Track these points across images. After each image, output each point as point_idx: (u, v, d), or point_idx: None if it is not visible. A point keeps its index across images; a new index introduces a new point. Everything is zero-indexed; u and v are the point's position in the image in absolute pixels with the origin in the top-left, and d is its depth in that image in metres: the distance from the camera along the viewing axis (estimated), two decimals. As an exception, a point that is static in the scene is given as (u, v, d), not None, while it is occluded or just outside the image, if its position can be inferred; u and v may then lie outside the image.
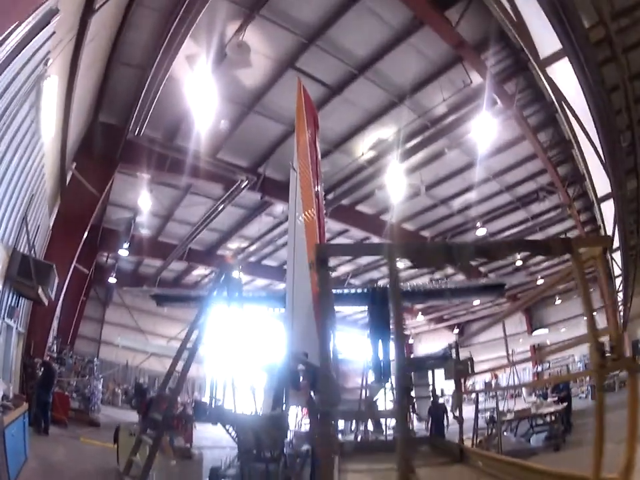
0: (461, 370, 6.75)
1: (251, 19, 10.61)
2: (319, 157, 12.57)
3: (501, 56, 11.81)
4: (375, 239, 21.45)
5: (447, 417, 12.11)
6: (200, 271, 26.46)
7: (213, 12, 10.13)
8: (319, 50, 11.79)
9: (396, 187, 16.04)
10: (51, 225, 12.97)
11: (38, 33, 5.31)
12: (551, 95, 12.20)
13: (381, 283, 22.93)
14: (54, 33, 5.78)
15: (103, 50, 9.97)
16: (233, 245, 22.98)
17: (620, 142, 7.58)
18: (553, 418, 11.27)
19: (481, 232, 20.41)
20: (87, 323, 25.19)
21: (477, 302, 28.05)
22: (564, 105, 7.40)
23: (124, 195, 18.19)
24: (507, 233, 20.63)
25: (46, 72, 6.20)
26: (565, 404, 11.77)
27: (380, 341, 9.44)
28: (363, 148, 15.46)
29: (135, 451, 6.49)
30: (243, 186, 15.22)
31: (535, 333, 27.44)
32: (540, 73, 11.25)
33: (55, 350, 17.67)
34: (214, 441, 12.96)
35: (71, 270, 13.68)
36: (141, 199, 16.60)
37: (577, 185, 16.45)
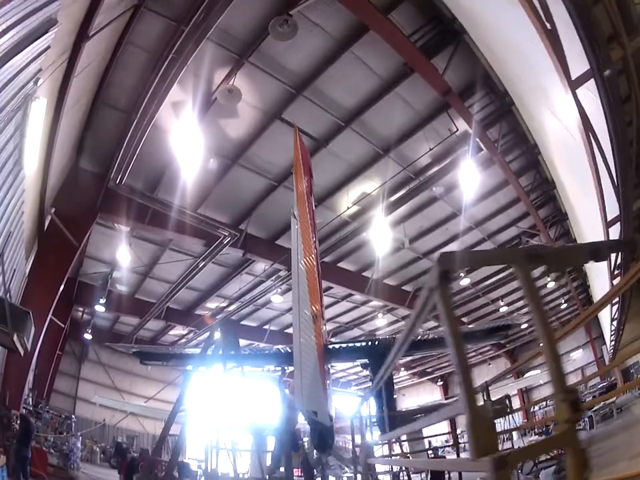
0: (499, 410, 6.07)
1: (240, 66, 10.45)
2: (314, 206, 12.13)
3: (484, 102, 12.17)
4: (358, 296, 20.83)
5: None
6: (178, 330, 25.02)
7: (203, 57, 9.90)
8: (306, 100, 11.70)
9: (379, 241, 15.75)
10: (27, 271, 12.02)
11: (34, 40, 4.63)
12: (525, 132, 12.73)
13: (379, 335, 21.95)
14: (49, 47, 5.12)
15: (90, 88, 9.35)
16: (212, 304, 21.78)
17: (631, 160, 7.57)
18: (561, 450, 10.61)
19: (465, 281, 20.21)
20: (62, 379, 23.68)
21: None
22: (585, 127, 7.31)
23: (101, 249, 17.19)
24: (488, 282, 20.58)
25: (35, 92, 5.43)
26: None
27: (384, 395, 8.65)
28: (346, 203, 15.19)
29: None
30: (225, 242, 14.38)
31: (527, 374, 26.80)
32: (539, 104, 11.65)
33: (31, 403, 16.52)
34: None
35: (47, 321, 12.43)
36: (119, 253, 15.57)
37: (557, 225, 16.84)
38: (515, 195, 15.17)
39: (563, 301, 22.71)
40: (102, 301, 18.89)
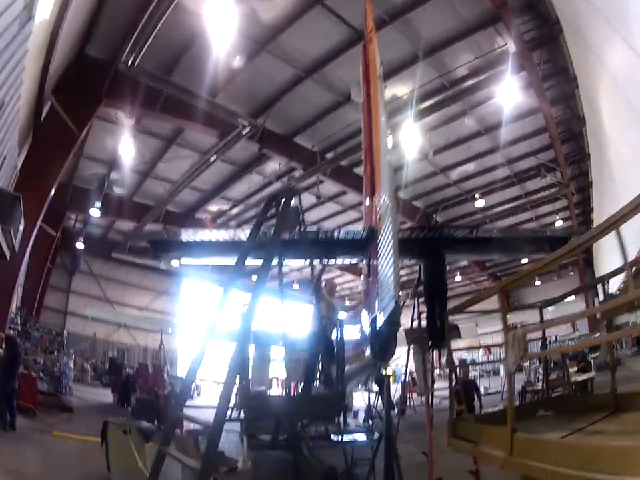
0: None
1: None
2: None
3: (531, 26, 11.36)
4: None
5: (479, 394, 11.02)
6: (176, 236, 24.86)
7: None
8: (351, -11, 10.66)
9: (403, 148, 15.28)
10: (19, 166, 10.70)
11: None
12: (567, 63, 11.98)
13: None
14: None
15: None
16: (214, 207, 21.46)
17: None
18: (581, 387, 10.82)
19: (480, 203, 20.26)
20: (52, 293, 23.25)
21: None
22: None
23: (100, 146, 16.14)
24: (500, 209, 20.67)
25: None
26: (592, 373, 11.61)
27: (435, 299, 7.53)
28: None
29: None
30: (244, 133, 13.86)
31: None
32: None
33: (19, 322, 15.37)
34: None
35: (38, 225, 11.32)
36: (122, 148, 14.51)
37: (575, 165, 16.63)
38: (541, 124, 14.86)
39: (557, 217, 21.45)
40: (97, 204, 17.69)
